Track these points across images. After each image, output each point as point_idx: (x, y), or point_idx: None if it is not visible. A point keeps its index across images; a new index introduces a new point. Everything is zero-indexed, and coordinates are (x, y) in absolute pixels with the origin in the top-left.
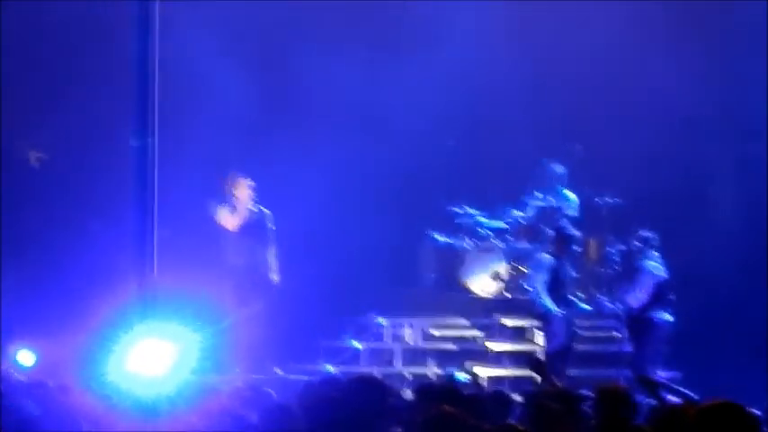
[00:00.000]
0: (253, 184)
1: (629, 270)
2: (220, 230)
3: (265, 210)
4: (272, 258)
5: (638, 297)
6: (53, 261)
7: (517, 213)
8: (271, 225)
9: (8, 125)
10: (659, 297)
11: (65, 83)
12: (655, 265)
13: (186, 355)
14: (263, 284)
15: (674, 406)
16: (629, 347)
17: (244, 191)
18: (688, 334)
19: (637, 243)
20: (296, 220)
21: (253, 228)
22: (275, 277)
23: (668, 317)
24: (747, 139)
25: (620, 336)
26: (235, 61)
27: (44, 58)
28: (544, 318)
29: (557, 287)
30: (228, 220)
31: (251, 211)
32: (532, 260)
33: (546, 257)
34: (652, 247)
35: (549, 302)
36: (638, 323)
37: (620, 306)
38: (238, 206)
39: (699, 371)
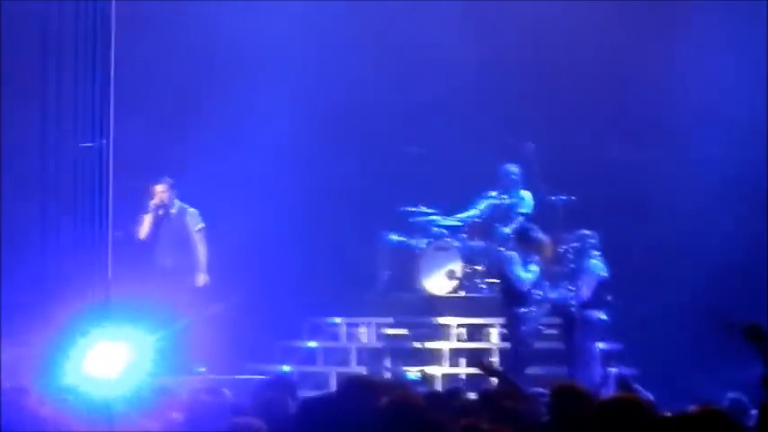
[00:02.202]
0: (169, 182)
1: (575, 269)
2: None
3: (189, 208)
4: (197, 258)
5: (580, 295)
6: (8, 263)
7: (471, 212)
8: (194, 223)
9: None
10: (598, 296)
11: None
12: (597, 265)
13: (141, 357)
14: (199, 287)
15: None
16: (566, 345)
17: (162, 194)
18: (641, 333)
19: (576, 243)
20: (251, 220)
21: (172, 229)
22: (201, 278)
23: (603, 316)
24: (709, 138)
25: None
26: (181, 63)
27: None
28: (518, 318)
29: (524, 286)
30: (142, 229)
31: (168, 212)
32: (503, 259)
33: (514, 254)
34: (593, 246)
35: (525, 303)
36: (574, 320)
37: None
38: (153, 211)
39: (657, 369)
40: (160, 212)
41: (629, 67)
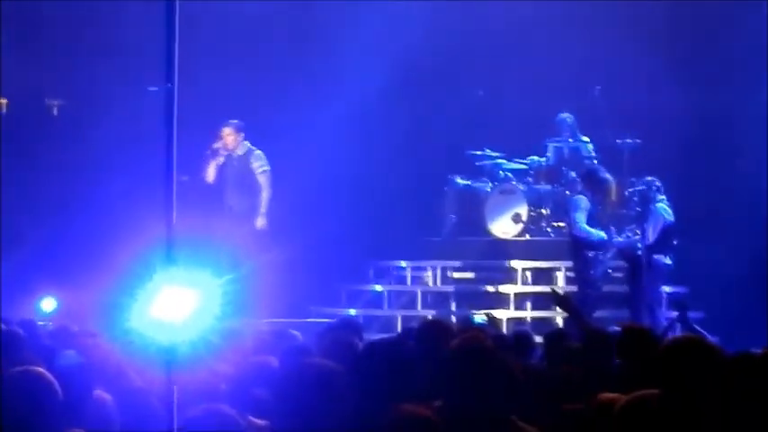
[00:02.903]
0: (236, 125)
1: (642, 212)
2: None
3: (256, 150)
4: (260, 201)
5: (646, 239)
6: (73, 209)
7: (537, 156)
8: (259, 165)
9: (23, 73)
10: (664, 241)
11: (81, 27)
12: (664, 209)
13: (207, 300)
14: (259, 229)
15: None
16: (632, 288)
17: (228, 137)
18: (707, 276)
19: (642, 187)
20: (317, 166)
21: (237, 172)
22: (260, 221)
23: (668, 261)
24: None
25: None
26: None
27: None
28: (586, 261)
29: (591, 229)
30: (208, 172)
31: (234, 155)
32: (570, 202)
33: (582, 199)
34: (658, 190)
35: (600, 232)
36: (641, 265)
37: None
38: (219, 154)
39: (723, 312)
40: (223, 155)
41: (701, 12)
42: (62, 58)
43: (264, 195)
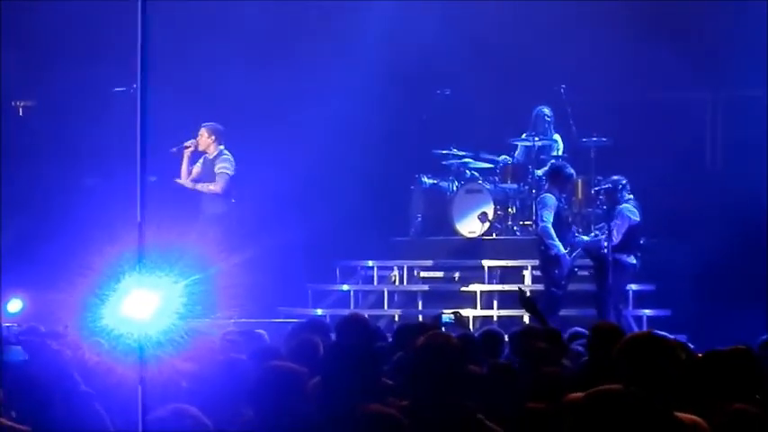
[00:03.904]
0: (209, 127)
1: (607, 211)
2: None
3: (225, 153)
4: (203, 186)
5: (611, 238)
6: (42, 210)
7: (504, 155)
8: (220, 166)
9: None
10: (629, 240)
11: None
12: (630, 208)
13: (173, 300)
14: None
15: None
16: (597, 287)
17: (201, 138)
18: (674, 275)
19: (609, 186)
20: (285, 166)
21: (205, 173)
22: (188, 183)
23: (633, 260)
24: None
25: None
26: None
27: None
28: (554, 260)
29: (560, 227)
30: (181, 171)
31: (207, 157)
32: (538, 201)
33: (549, 197)
34: (625, 188)
35: (560, 244)
36: (606, 263)
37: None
38: (191, 155)
39: (689, 311)
40: (194, 154)
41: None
42: (32, 58)
43: (211, 188)
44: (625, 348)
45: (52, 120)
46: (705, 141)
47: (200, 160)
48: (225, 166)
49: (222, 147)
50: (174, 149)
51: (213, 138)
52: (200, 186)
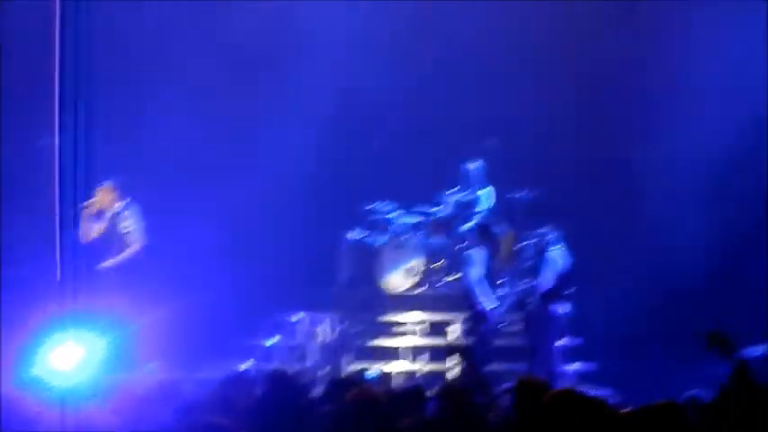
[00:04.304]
0: (110, 185)
1: (535, 264)
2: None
3: (127, 210)
4: (121, 256)
5: (539, 288)
6: None
7: (431, 209)
8: (125, 225)
9: None
10: (558, 289)
11: None
12: (555, 258)
13: (96, 354)
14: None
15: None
16: (528, 340)
17: (101, 196)
18: (603, 329)
19: (535, 239)
20: (212, 220)
21: (108, 231)
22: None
23: (565, 309)
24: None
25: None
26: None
27: None
28: (480, 315)
29: (486, 282)
30: (82, 231)
31: (106, 214)
32: (464, 257)
33: (476, 253)
34: (552, 242)
35: (487, 300)
36: (538, 316)
37: (521, 299)
38: (93, 214)
39: (615, 366)
40: (96, 213)
41: (590, 63)
42: None
43: (129, 251)
44: (549, 405)
45: None
46: (634, 193)
47: (87, 218)
48: (131, 224)
49: (123, 202)
50: (81, 209)
51: (113, 195)
52: (120, 258)
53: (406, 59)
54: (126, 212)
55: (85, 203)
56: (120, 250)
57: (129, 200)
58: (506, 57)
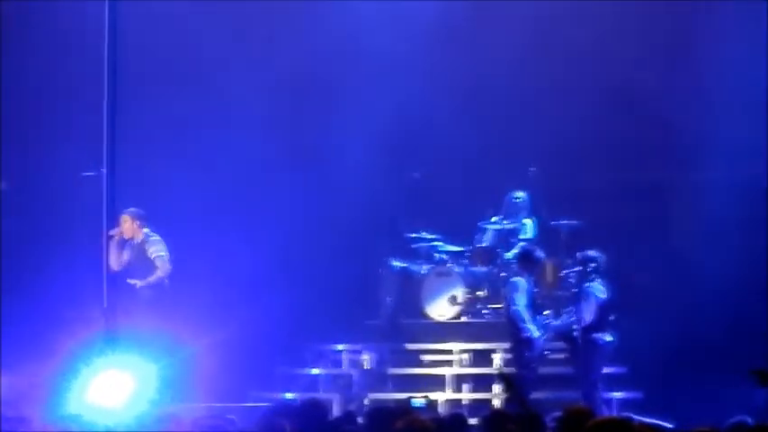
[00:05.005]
0: (132, 213)
1: (579, 291)
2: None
3: (153, 236)
4: (151, 278)
5: (582, 319)
6: (14, 293)
7: (475, 238)
8: (154, 250)
9: None
10: (601, 319)
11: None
12: (597, 287)
13: (144, 385)
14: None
15: None
16: (573, 369)
17: (126, 225)
18: (647, 356)
19: (579, 266)
20: (256, 248)
21: (136, 258)
22: (139, 283)
23: (609, 338)
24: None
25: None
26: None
27: None
28: (525, 342)
29: (531, 310)
30: (111, 260)
31: (133, 242)
32: (509, 284)
33: (520, 281)
34: (595, 269)
35: (533, 328)
36: (582, 345)
37: (567, 327)
38: (119, 243)
39: (660, 393)
40: (121, 241)
41: (631, 91)
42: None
43: (158, 274)
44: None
45: (23, 202)
46: (672, 220)
47: (125, 246)
48: (158, 249)
49: (147, 230)
50: (113, 244)
51: (138, 223)
52: (151, 280)
53: (445, 86)
54: (153, 237)
55: (111, 232)
56: (150, 275)
57: (149, 228)
58: (549, 84)
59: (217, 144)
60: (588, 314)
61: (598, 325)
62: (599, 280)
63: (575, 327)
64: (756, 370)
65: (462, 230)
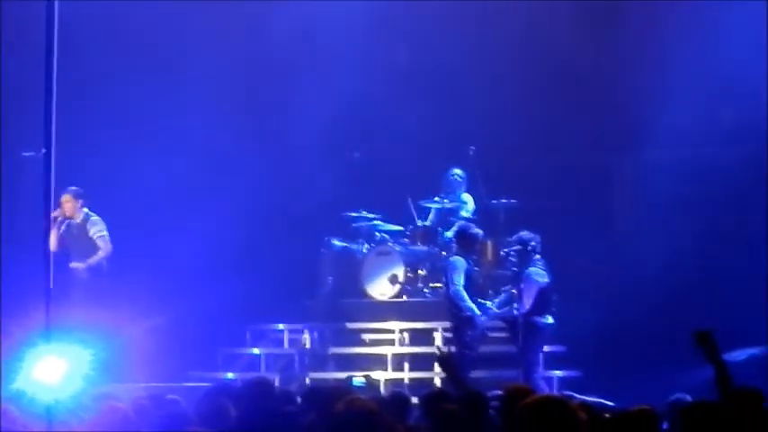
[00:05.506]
0: (73, 192)
1: (517, 272)
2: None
3: (93, 216)
4: (93, 259)
5: (522, 302)
6: None
7: (414, 217)
8: (96, 230)
9: None
10: (542, 303)
11: None
12: (538, 272)
13: (81, 365)
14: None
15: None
16: (514, 349)
17: (67, 204)
18: (586, 336)
19: (517, 246)
20: (193, 228)
21: (76, 238)
22: (80, 265)
23: (550, 320)
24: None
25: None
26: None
27: None
28: (466, 321)
29: (471, 289)
30: (50, 241)
31: (73, 223)
32: (448, 264)
33: (459, 260)
34: (534, 248)
35: (473, 306)
36: (522, 327)
37: (507, 309)
38: (58, 222)
39: (599, 372)
40: (60, 221)
41: (572, 68)
42: None
43: (100, 254)
44: (525, 411)
45: None
46: (614, 203)
47: (63, 226)
48: (99, 228)
49: (87, 210)
50: (54, 224)
51: (80, 202)
52: (92, 261)
53: (387, 69)
54: (93, 218)
55: (54, 213)
56: (91, 255)
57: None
58: (489, 65)
59: (158, 126)
60: (528, 299)
61: (538, 309)
62: (540, 263)
63: (515, 306)
64: (698, 331)
65: (402, 210)
